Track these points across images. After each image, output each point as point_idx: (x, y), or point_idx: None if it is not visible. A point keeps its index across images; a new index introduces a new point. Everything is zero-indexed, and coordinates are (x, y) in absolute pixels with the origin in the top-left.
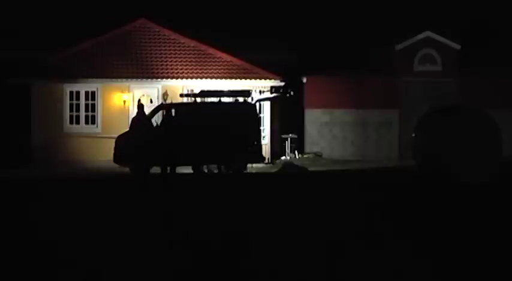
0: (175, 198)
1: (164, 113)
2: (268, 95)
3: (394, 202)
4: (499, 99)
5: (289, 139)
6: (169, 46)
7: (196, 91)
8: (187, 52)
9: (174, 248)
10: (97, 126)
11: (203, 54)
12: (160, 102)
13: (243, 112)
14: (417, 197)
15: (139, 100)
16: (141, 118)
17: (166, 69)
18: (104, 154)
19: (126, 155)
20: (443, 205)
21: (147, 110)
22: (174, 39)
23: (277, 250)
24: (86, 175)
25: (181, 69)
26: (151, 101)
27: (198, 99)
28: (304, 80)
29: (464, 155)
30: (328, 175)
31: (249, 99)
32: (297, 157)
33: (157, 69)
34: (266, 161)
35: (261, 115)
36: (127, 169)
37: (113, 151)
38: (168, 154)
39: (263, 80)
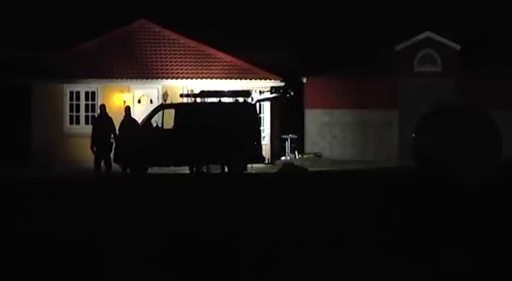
0: (173, 198)
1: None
2: (268, 95)
3: (394, 202)
4: (499, 99)
5: (289, 139)
6: (170, 46)
7: (196, 91)
8: (188, 52)
9: (171, 250)
10: None
11: (203, 54)
12: (160, 103)
13: (243, 112)
14: (417, 198)
15: (125, 104)
16: (131, 120)
17: (167, 69)
18: None
19: (125, 155)
20: (443, 205)
21: (147, 110)
22: (174, 39)
23: (274, 250)
24: (86, 175)
25: (181, 69)
26: (151, 101)
27: (198, 100)
28: (304, 80)
29: (464, 155)
30: (328, 175)
31: (249, 100)
32: (297, 157)
33: (157, 69)
34: (266, 161)
35: (261, 115)
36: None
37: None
38: (168, 154)
39: (263, 80)
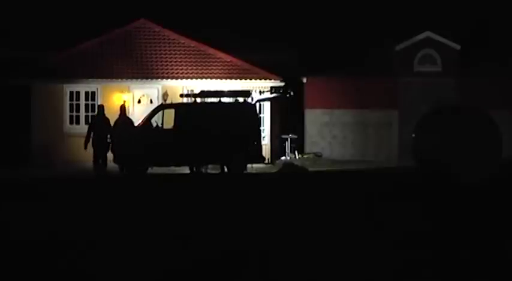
0: (172, 198)
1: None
2: (268, 95)
3: (394, 202)
4: (499, 99)
5: (289, 139)
6: (170, 46)
7: (196, 91)
8: (188, 52)
9: (170, 250)
10: None
11: (203, 54)
12: (160, 103)
13: (243, 112)
14: (417, 198)
15: (123, 102)
16: (126, 119)
17: (167, 69)
18: None
19: (126, 155)
20: (443, 205)
21: (147, 110)
22: (174, 39)
23: (275, 251)
24: (86, 175)
25: (181, 69)
26: (151, 101)
27: (198, 100)
28: (304, 80)
29: (464, 155)
30: (328, 175)
31: (249, 100)
32: (297, 157)
33: (157, 69)
34: (266, 161)
35: (261, 115)
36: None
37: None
38: (168, 154)
39: (263, 80)
